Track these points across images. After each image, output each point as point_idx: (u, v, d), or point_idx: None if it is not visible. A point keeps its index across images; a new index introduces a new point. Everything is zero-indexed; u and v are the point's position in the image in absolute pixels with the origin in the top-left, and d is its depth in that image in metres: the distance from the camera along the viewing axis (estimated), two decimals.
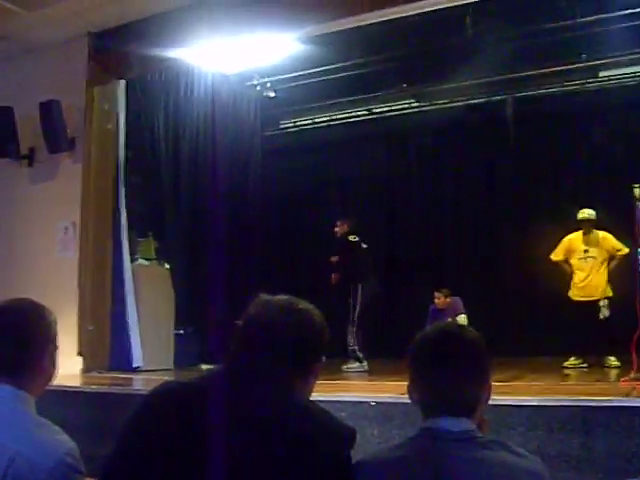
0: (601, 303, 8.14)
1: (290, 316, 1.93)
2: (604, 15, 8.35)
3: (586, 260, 8.30)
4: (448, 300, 9.32)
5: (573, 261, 8.40)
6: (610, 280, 8.23)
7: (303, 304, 1.99)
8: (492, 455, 1.79)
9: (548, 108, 10.11)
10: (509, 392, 5.04)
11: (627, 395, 5.09)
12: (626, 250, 7.91)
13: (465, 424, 1.86)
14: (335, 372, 7.92)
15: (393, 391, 5.32)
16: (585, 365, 8.07)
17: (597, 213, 8.29)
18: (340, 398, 5.05)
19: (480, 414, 1.94)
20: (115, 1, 7.90)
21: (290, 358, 1.90)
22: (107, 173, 8.58)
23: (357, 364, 8.47)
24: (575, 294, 8.34)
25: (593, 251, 8.26)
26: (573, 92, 10.05)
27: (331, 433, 1.80)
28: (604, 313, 8.11)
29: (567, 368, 8.02)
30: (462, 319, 8.99)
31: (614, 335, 7.85)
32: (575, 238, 8.39)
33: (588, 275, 8.27)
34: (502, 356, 8.04)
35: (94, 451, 2.26)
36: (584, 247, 8.31)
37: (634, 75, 9.70)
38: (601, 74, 9.95)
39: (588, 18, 8.39)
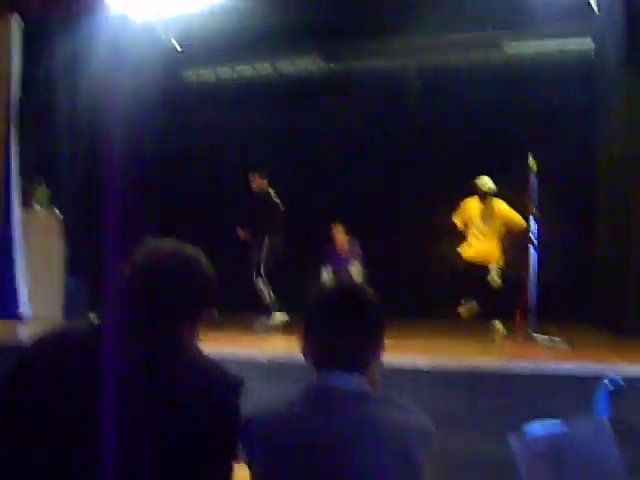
0: (491, 269, 8.32)
1: (176, 262, 1.89)
2: None
3: (480, 227, 8.45)
4: (347, 237, 9.28)
5: (472, 227, 8.52)
6: (504, 249, 8.42)
7: (190, 250, 1.95)
8: (382, 412, 1.81)
9: (451, 76, 10.22)
10: (399, 352, 5.14)
11: (511, 358, 5.28)
12: (521, 223, 8.09)
13: (356, 380, 1.87)
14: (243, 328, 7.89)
15: (285, 347, 5.36)
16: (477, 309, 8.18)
17: (495, 183, 8.46)
18: (231, 354, 5.03)
19: (372, 372, 1.95)
20: None
21: (176, 305, 1.86)
22: None
23: (279, 314, 8.38)
24: (467, 252, 8.46)
25: (489, 220, 8.41)
26: (476, 63, 10.18)
27: (219, 382, 1.77)
28: (494, 279, 8.30)
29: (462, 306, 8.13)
30: (355, 269, 9.05)
31: (501, 300, 8.07)
32: (473, 205, 8.50)
33: (483, 243, 8.43)
34: (393, 317, 8.15)
35: None
36: (481, 215, 8.45)
37: (537, 49, 9.90)
38: (505, 47, 10.12)
39: None
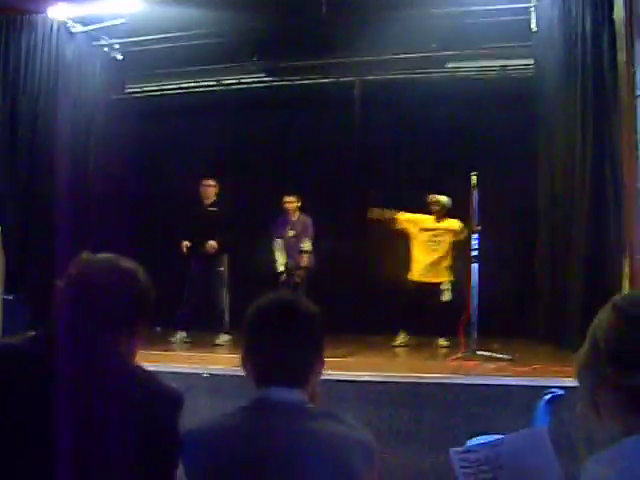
0: (443, 286, 8.35)
1: (112, 275, 1.86)
2: (456, 8, 8.60)
3: (434, 244, 8.45)
4: (299, 210, 9.13)
5: (420, 243, 8.52)
6: (452, 265, 8.47)
7: (126, 263, 1.92)
8: (322, 426, 1.81)
9: (395, 94, 10.29)
10: (342, 367, 5.14)
11: (454, 373, 5.31)
12: (466, 232, 8.14)
13: (297, 395, 1.86)
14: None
15: (226, 363, 5.32)
16: (406, 343, 8.25)
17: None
18: (172, 369, 4.98)
19: (312, 386, 1.95)
20: None
21: (112, 318, 1.83)
22: None
23: (226, 335, 8.33)
24: (417, 274, 8.49)
25: (441, 235, 8.42)
26: (420, 80, 10.28)
27: (157, 396, 1.75)
28: (446, 296, 8.33)
29: (397, 346, 8.21)
30: (307, 245, 8.87)
31: (445, 316, 8.13)
32: (427, 219, 8.51)
33: (434, 259, 8.44)
34: (337, 333, 8.17)
35: None
36: (434, 231, 8.46)
37: (479, 69, 10.04)
38: (449, 65, 10.25)
39: (441, 9, 8.62)
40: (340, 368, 5.00)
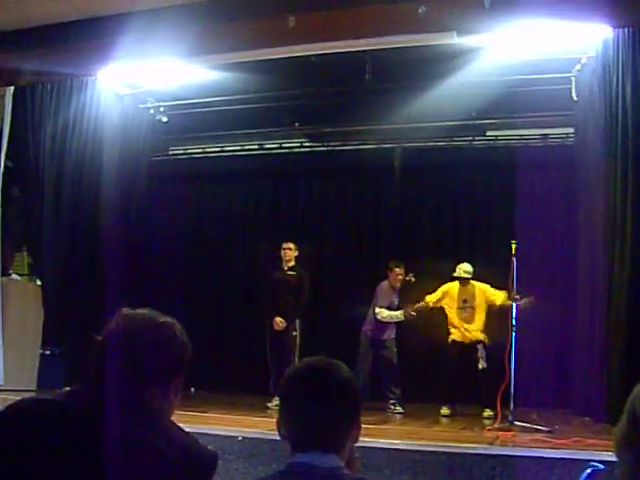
0: (479, 354, 8.25)
1: (151, 330, 1.88)
2: (497, 77, 8.68)
3: (465, 310, 8.44)
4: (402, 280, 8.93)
5: (452, 310, 8.51)
6: (485, 331, 8.40)
7: (164, 318, 1.95)
8: None
9: (434, 160, 10.37)
10: (377, 435, 5.07)
11: (491, 444, 5.21)
12: (501, 297, 8.09)
13: (333, 461, 1.84)
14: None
15: (261, 426, 5.28)
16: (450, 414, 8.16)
17: (476, 266, 8.50)
18: (207, 431, 4.96)
19: (349, 452, 1.93)
20: (15, 4, 7.67)
21: (150, 373, 1.84)
22: None
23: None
24: (457, 336, 8.49)
25: (473, 302, 8.41)
26: (460, 147, 10.36)
27: (191, 456, 1.75)
28: (482, 364, 8.24)
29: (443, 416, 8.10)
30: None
31: (484, 385, 8.03)
32: (454, 289, 8.53)
33: (468, 324, 8.40)
34: (373, 400, 8.14)
35: None
36: (463, 297, 8.46)
37: (520, 137, 10.10)
38: (488, 133, 10.32)
39: (482, 78, 8.69)
40: (375, 435, 4.94)
